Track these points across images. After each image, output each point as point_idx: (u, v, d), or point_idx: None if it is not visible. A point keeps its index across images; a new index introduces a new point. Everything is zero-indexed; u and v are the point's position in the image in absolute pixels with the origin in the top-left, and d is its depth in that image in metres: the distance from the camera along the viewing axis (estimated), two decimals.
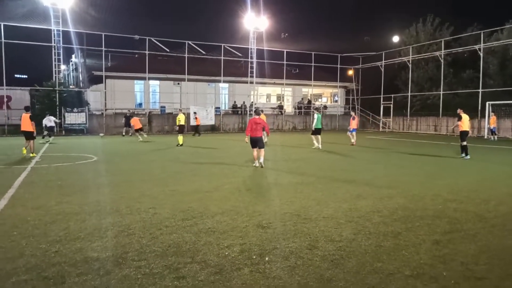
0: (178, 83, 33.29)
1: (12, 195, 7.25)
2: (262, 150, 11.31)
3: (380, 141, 23.52)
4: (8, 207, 6.33)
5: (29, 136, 13.81)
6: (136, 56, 33.95)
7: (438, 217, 5.87)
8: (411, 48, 35.16)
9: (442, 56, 32.34)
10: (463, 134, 14.01)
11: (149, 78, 31.14)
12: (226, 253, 4.33)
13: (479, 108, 28.36)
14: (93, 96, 31.35)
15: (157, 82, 33.51)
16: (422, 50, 35.27)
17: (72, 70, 38.70)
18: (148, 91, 32.21)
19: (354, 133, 19.79)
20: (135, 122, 22.31)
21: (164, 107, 31.88)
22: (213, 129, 32.19)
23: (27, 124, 13.79)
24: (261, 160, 11.25)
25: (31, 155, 13.62)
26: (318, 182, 8.94)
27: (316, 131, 17.56)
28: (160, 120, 30.99)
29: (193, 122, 27.79)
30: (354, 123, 19.84)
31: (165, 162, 12.65)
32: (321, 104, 41.15)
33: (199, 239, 4.80)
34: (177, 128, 19.46)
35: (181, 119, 19.14)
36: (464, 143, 13.91)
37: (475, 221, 5.68)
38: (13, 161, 12.42)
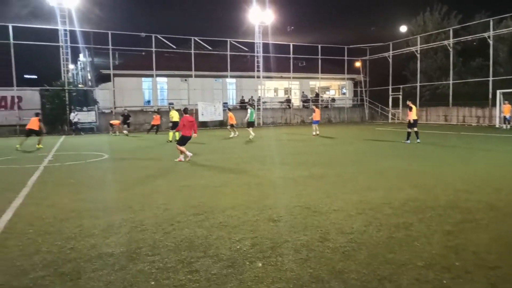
0: (185, 79, 33.36)
1: (26, 193, 7.38)
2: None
3: (389, 132, 23.36)
4: (23, 206, 6.45)
5: (36, 133, 16.56)
6: (143, 53, 34.07)
7: (449, 208, 5.84)
8: (419, 37, 34.74)
9: (451, 45, 31.90)
10: (415, 122, 15.92)
11: (157, 75, 31.26)
12: (238, 247, 4.37)
13: (490, 96, 28.01)
14: (102, 94, 31.57)
15: (165, 79, 33.63)
16: (430, 40, 34.83)
17: (80, 69, 39.00)
18: (155, 88, 32.34)
19: (316, 125, 20.99)
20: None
21: (172, 103, 31.97)
22: (221, 124, 32.24)
23: (35, 124, 16.58)
24: (183, 157, 11.66)
25: (38, 146, 16.26)
26: (327, 174, 8.94)
27: (250, 124, 19.88)
28: (168, 117, 31.10)
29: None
30: (315, 115, 21.05)
31: (173, 158, 12.72)
32: (329, 97, 40.96)
33: (210, 233, 4.86)
34: (171, 124, 20.01)
35: (173, 116, 19.54)
36: (409, 130, 15.92)
37: (487, 211, 5.65)
38: (26, 161, 12.62)
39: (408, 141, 15.81)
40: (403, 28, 39.41)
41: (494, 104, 27.38)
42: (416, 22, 37.90)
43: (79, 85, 33.01)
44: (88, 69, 34.88)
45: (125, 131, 24.27)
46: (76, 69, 39.76)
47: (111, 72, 29.52)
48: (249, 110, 20.15)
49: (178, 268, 3.83)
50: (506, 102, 24.69)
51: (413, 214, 5.55)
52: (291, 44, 35.65)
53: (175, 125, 19.32)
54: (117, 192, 7.49)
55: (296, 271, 3.70)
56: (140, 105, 31.94)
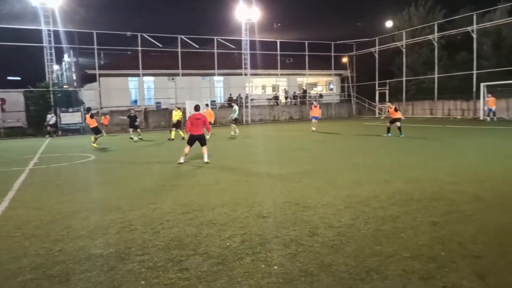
0: (173, 78, 33.15)
1: (12, 196, 7.27)
2: (205, 147, 10.73)
3: (376, 127, 23.57)
4: (10, 209, 6.36)
5: (96, 131, 17.03)
6: (129, 53, 33.75)
7: (435, 199, 5.95)
8: (404, 32, 35.05)
9: (436, 39, 32.28)
10: (398, 120, 16.95)
11: (143, 75, 30.99)
12: (228, 244, 4.39)
13: (474, 90, 28.45)
14: (88, 95, 31.17)
15: (152, 78, 33.37)
16: (415, 34, 35.16)
17: (65, 69, 38.47)
18: (142, 88, 32.08)
19: (314, 120, 21.23)
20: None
21: (159, 103, 31.78)
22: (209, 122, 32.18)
23: (91, 122, 16.87)
24: (206, 158, 10.60)
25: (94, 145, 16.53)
26: (316, 170, 9.01)
27: (235, 121, 20.66)
28: (156, 116, 30.94)
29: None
30: (314, 112, 21.32)
31: (163, 158, 12.68)
32: (316, 93, 41.15)
33: (200, 231, 4.86)
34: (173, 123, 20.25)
35: (176, 115, 20.02)
36: (389, 125, 17.03)
37: (472, 202, 5.76)
38: (12, 163, 12.42)
39: (389, 134, 16.97)
40: (389, 23, 39.71)
41: (478, 97, 27.81)
42: (402, 17, 38.23)
43: (64, 86, 32.59)
44: (73, 69, 34.44)
45: (134, 137, 19.45)
46: (61, 69, 39.22)
47: (97, 72, 29.19)
48: (235, 108, 20.84)
49: (168, 266, 3.83)
50: (490, 95, 24.84)
51: (400, 206, 5.64)
52: (278, 41, 35.66)
53: (176, 125, 19.96)
54: (105, 193, 7.44)
55: (285, 266, 3.74)
56: (127, 105, 31.66)
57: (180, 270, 3.73)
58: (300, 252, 4.07)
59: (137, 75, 30.93)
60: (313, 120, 21.21)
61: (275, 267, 3.72)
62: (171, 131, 19.84)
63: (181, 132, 19.41)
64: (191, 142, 10.67)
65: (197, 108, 11.04)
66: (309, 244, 4.29)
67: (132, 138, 19.68)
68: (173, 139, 19.03)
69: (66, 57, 36.92)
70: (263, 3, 45.01)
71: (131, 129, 20.03)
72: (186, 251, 4.21)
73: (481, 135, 16.68)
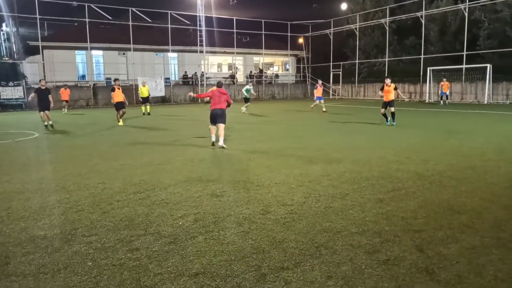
0: (124, 53, 31.73)
1: None
2: (222, 125, 9.46)
3: (330, 108, 24.13)
4: None
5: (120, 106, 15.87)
6: (76, 24, 31.76)
7: (382, 178, 6.23)
8: (358, 15, 35.77)
9: (387, 24, 33.27)
10: (392, 103, 14.32)
11: (91, 48, 29.38)
12: (180, 223, 4.34)
13: (421, 73, 29.83)
14: (30, 68, 29.13)
15: (101, 52, 31.69)
16: (368, 18, 36.02)
17: (4, 40, 35.47)
18: (90, 62, 30.45)
19: (318, 101, 20.63)
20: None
21: (109, 78, 30.35)
22: (163, 100, 31.35)
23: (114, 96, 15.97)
24: (221, 141, 9.36)
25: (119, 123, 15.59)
26: (271, 150, 9.09)
27: (246, 100, 21.22)
28: (106, 93, 29.50)
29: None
30: (319, 91, 20.80)
31: (113, 136, 12.22)
32: (273, 73, 41.24)
33: (152, 211, 4.77)
34: (141, 99, 21.32)
35: (143, 92, 21.00)
36: (383, 110, 14.34)
37: (415, 180, 6.10)
38: None
39: (388, 123, 14.21)
40: (344, 6, 40.28)
41: (425, 81, 29.22)
42: (356, 0, 38.91)
43: (4, 58, 30.12)
44: (13, 40, 31.83)
45: (46, 122, 14.28)
46: None
47: (40, 44, 27.25)
48: (248, 87, 21.10)
49: (117, 247, 3.73)
50: (445, 79, 25.34)
51: (349, 184, 5.85)
52: (234, 18, 35.08)
53: (144, 101, 20.81)
54: (49, 172, 7.06)
55: (238, 244, 3.77)
56: (74, 80, 30.01)
57: (130, 250, 3.65)
58: (252, 230, 4.12)
59: (85, 48, 29.27)
60: (317, 101, 20.28)
61: (228, 245, 3.74)
62: (144, 106, 20.61)
63: (146, 107, 20.47)
64: (212, 118, 9.56)
65: (219, 84, 10.07)
66: (261, 222, 4.35)
67: (46, 126, 14.18)
68: (148, 113, 20.18)
69: (4, 27, 34.02)
70: None
71: (42, 112, 14.18)
72: (136, 231, 4.12)
73: (426, 117, 17.60)
